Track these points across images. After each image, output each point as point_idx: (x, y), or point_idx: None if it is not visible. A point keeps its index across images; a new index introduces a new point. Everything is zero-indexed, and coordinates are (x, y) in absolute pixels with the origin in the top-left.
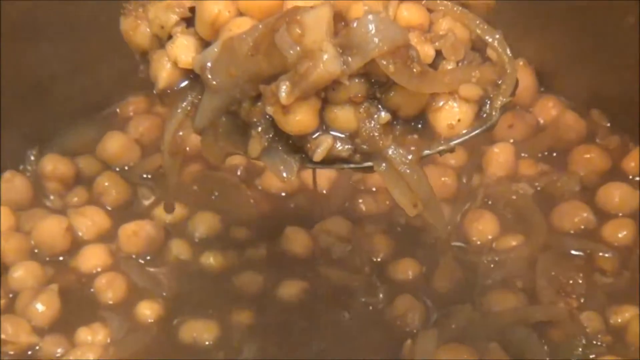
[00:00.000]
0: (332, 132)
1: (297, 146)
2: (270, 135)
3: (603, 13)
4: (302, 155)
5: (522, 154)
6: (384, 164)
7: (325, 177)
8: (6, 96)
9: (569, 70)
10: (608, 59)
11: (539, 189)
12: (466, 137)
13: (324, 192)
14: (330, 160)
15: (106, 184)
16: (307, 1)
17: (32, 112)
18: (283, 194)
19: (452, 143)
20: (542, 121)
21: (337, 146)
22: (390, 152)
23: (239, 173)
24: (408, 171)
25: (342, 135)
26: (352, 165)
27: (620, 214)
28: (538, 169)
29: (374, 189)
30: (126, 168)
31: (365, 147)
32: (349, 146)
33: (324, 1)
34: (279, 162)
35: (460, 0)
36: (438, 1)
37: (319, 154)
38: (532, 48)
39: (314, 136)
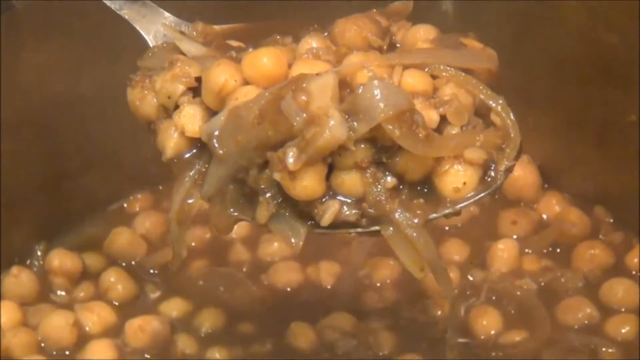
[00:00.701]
0: (339, 197)
1: (304, 212)
2: (278, 202)
3: (605, 111)
4: (309, 221)
5: (526, 250)
6: (391, 228)
7: (330, 272)
8: (13, 191)
9: (573, 167)
10: (611, 156)
11: (542, 284)
12: (472, 200)
13: (329, 287)
14: (337, 225)
15: (112, 279)
16: (312, 68)
17: (39, 207)
18: (288, 289)
19: (458, 206)
20: (545, 217)
21: (344, 211)
22: (397, 215)
23: (244, 269)
24: (415, 234)
25: (349, 200)
26: (359, 230)
27: (623, 310)
28: (542, 264)
29: (378, 284)
30: (133, 263)
31: (372, 211)
32: (356, 211)
33: (329, 68)
34: (287, 228)
35: (462, 66)
36: (441, 67)
37: (326, 219)
38: (537, 145)
39: (321, 201)
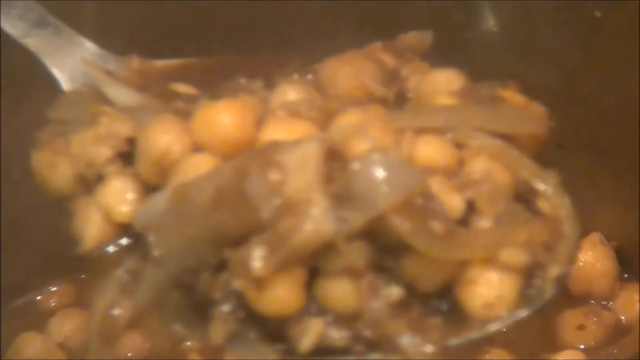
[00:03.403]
0: (323, 314)
1: (275, 332)
2: (239, 318)
3: None
4: (283, 345)
5: None
6: (395, 357)
7: None
8: None
9: None
10: None
11: None
12: (508, 321)
13: None
14: (322, 351)
15: None
16: (290, 132)
17: None
18: None
19: (490, 329)
20: (624, 320)
21: (330, 334)
22: (404, 341)
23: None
24: None
25: (338, 318)
26: (351, 358)
27: None
28: None
29: None
30: None
31: (369, 333)
32: (347, 333)
33: (313, 132)
34: (251, 354)
35: (499, 131)
36: (470, 133)
37: (305, 344)
38: (612, 220)
39: (300, 319)
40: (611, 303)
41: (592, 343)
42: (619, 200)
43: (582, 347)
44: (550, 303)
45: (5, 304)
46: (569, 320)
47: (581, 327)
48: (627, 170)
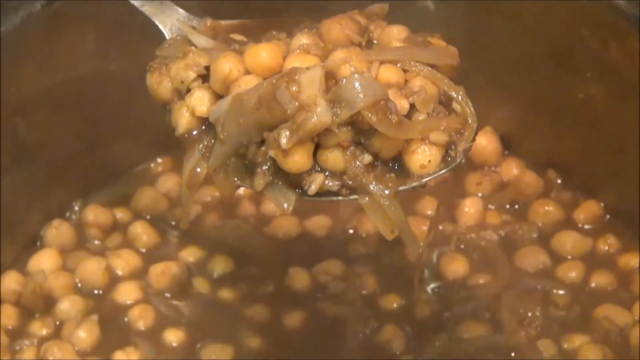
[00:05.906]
0: (324, 171)
1: (294, 182)
2: (272, 173)
3: (557, 90)
4: (298, 190)
5: (489, 206)
6: (366, 198)
7: (322, 225)
8: (54, 156)
9: (529, 137)
10: (561, 128)
11: (503, 235)
12: (435, 175)
13: (322, 238)
14: (322, 194)
15: (139, 230)
16: (303, 62)
17: (76, 169)
18: (287, 239)
19: (424, 180)
20: (505, 179)
21: (327, 182)
22: (371, 187)
23: (251, 222)
24: (387, 203)
25: (332, 174)
26: (340, 198)
27: (570, 257)
28: (502, 219)
29: (364, 235)
30: (156, 216)
31: (351, 183)
32: (338, 182)
33: (317, 62)
34: (279, 195)
35: (429, 62)
36: (412, 63)
37: (312, 189)
38: (498, 119)
39: (309, 174)
40: (497, 168)
41: (486, 193)
42: (503, 108)
43: (479, 195)
44: (461, 168)
45: (131, 170)
46: (472, 178)
47: (479, 183)
48: (509, 91)
